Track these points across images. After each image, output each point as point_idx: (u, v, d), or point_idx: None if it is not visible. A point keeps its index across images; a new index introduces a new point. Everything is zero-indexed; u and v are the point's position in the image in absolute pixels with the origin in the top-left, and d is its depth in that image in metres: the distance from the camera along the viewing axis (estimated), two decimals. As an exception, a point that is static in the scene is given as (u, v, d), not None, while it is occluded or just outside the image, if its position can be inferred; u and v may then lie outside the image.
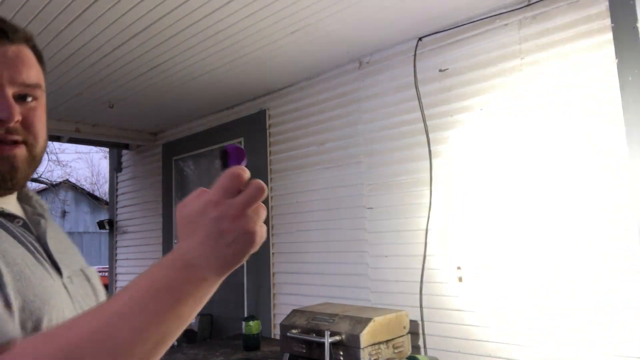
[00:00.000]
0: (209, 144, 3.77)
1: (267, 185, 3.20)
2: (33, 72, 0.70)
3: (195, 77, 2.92)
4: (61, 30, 2.22)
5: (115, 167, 4.86)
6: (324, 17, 2.19)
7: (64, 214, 16.97)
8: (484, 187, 2.19)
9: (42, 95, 0.73)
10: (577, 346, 1.88)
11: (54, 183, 16.99)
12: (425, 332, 2.33)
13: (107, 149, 5.40)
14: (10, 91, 0.67)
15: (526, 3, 2.07)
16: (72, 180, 17.90)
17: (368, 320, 2.07)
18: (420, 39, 2.44)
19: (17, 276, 0.60)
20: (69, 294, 0.68)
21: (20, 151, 0.68)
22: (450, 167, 2.31)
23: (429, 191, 2.36)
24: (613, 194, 1.83)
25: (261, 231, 0.51)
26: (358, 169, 2.70)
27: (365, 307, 2.42)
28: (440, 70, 2.38)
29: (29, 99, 0.70)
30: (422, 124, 2.40)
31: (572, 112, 1.94)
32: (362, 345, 2.00)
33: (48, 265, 0.68)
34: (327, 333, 2.06)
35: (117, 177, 4.86)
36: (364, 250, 2.63)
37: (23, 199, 0.78)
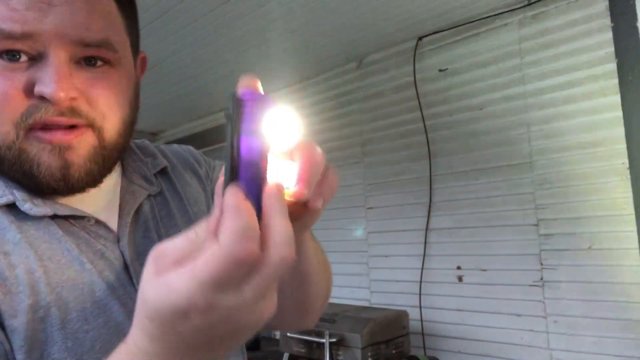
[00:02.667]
0: (208, 144, 3.77)
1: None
2: (97, 25, 0.48)
3: (195, 76, 2.92)
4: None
5: (115, 167, 4.85)
6: (323, 17, 2.19)
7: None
8: (484, 187, 2.18)
9: (120, 57, 0.52)
10: (577, 346, 1.88)
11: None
12: (425, 332, 2.32)
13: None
14: (61, 54, 0.47)
15: (526, 3, 2.07)
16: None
17: (368, 320, 2.07)
18: (420, 38, 2.44)
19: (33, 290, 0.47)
20: None
21: (80, 139, 0.50)
22: (450, 166, 2.31)
23: (428, 191, 2.36)
24: (613, 193, 1.82)
25: (268, 310, 0.33)
26: (358, 169, 2.70)
27: (365, 307, 2.42)
28: (440, 70, 2.38)
29: (99, 63, 0.50)
30: (422, 124, 2.40)
31: (572, 111, 1.94)
32: (361, 345, 2.00)
33: (122, 281, 0.53)
34: (326, 333, 2.05)
35: (117, 177, 4.85)
36: (364, 250, 2.63)
37: (131, 173, 0.62)
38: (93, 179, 0.53)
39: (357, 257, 2.66)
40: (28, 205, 0.50)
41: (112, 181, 0.59)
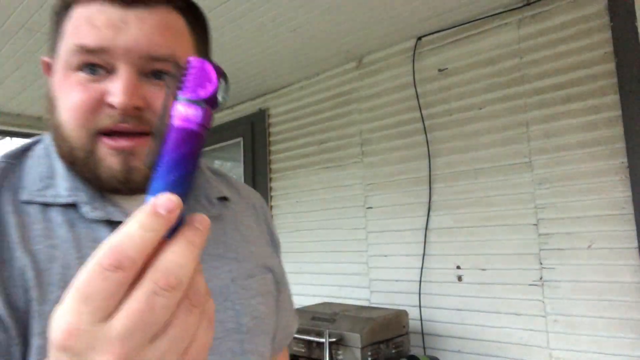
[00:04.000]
0: (208, 144, 3.77)
1: (267, 185, 3.23)
2: (165, 41, 0.54)
3: (194, 76, 2.92)
4: (60, 30, 2.22)
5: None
6: (323, 16, 2.19)
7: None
8: (483, 186, 2.19)
9: None
10: (576, 345, 1.88)
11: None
12: (425, 331, 2.33)
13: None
14: (130, 68, 0.52)
15: (525, 2, 2.07)
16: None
17: (367, 319, 2.07)
18: (419, 38, 2.44)
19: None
20: None
21: (143, 145, 0.54)
22: (450, 166, 2.31)
23: (428, 190, 2.36)
24: (613, 193, 1.82)
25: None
26: (357, 169, 2.70)
27: (364, 307, 2.42)
28: (440, 70, 2.38)
29: (164, 77, 0.55)
30: (421, 124, 2.40)
31: (571, 111, 1.94)
32: (361, 345, 2.00)
33: None
34: (326, 332, 2.06)
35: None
36: (364, 249, 2.64)
37: (196, 192, 0.66)
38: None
39: (357, 256, 2.66)
40: (87, 208, 0.56)
41: None
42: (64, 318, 0.28)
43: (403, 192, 2.48)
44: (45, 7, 2.00)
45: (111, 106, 0.52)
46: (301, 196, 2.98)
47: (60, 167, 0.58)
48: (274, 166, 3.21)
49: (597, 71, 1.88)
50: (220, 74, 0.37)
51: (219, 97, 0.37)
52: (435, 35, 2.38)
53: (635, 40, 1.75)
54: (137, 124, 0.53)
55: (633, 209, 1.75)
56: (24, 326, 0.48)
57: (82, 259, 0.52)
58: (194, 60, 0.36)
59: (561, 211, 1.95)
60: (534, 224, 2.02)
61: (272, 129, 3.25)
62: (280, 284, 0.75)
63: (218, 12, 2.09)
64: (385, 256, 2.54)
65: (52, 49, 0.59)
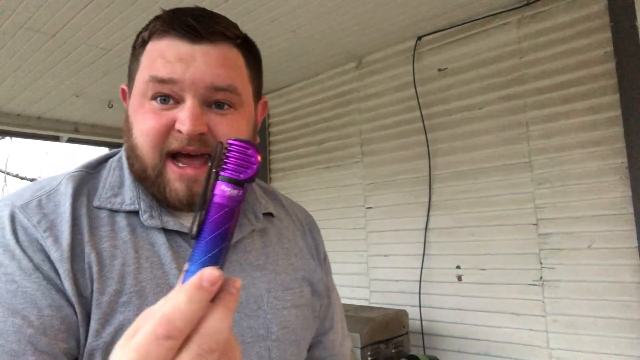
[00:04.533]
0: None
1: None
2: (225, 73, 0.62)
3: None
4: (60, 28, 2.22)
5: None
6: (323, 16, 2.19)
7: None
8: (483, 186, 2.19)
9: (243, 101, 0.65)
10: (576, 345, 1.88)
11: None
12: (425, 331, 2.33)
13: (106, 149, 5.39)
14: (195, 98, 0.60)
15: (525, 2, 2.07)
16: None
17: (367, 319, 2.07)
18: (419, 38, 2.44)
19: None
20: None
21: (204, 173, 0.62)
22: (450, 166, 2.31)
23: (428, 190, 2.36)
24: (612, 193, 1.83)
25: None
26: (357, 169, 2.70)
27: (364, 307, 2.42)
28: (439, 70, 2.38)
29: (225, 107, 0.63)
30: (421, 123, 2.40)
31: (571, 111, 1.94)
32: (361, 345, 2.00)
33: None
34: (326, 332, 2.05)
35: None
36: (364, 249, 2.64)
37: (245, 207, 0.73)
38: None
39: (357, 256, 2.66)
40: (146, 216, 0.65)
41: None
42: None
43: (403, 192, 2.48)
44: (45, 7, 2.00)
45: (179, 132, 0.60)
46: (301, 196, 2.98)
47: (128, 179, 0.68)
48: (273, 166, 3.21)
49: (597, 71, 1.88)
50: (260, 153, 0.40)
51: (257, 176, 0.40)
52: (435, 35, 2.38)
53: (635, 40, 1.75)
54: (200, 146, 0.61)
55: (633, 209, 1.75)
56: (87, 312, 0.57)
57: (138, 258, 0.62)
58: (236, 142, 0.40)
59: (561, 211, 1.95)
60: (534, 224, 2.02)
61: (272, 129, 3.25)
62: (320, 297, 0.80)
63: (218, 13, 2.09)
64: (385, 256, 2.54)
65: (130, 79, 0.67)
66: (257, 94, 0.71)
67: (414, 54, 2.46)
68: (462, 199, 2.26)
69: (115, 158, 0.72)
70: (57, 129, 3.78)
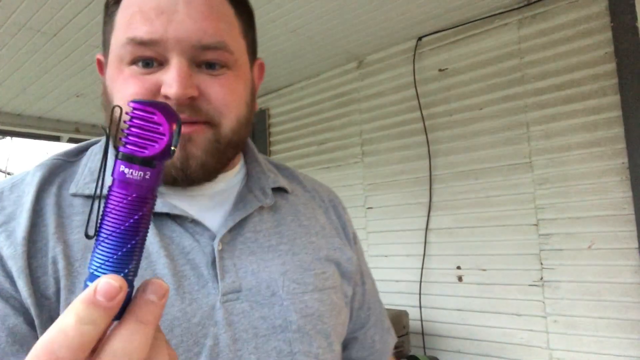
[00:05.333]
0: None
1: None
2: (214, 27, 0.53)
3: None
4: (61, 28, 2.22)
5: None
6: (324, 16, 2.19)
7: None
8: (484, 187, 2.18)
9: (236, 59, 0.56)
10: (577, 346, 1.88)
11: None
12: (425, 331, 2.33)
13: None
14: (182, 58, 0.52)
15: (525, 2, 2.07)
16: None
17: (368, 320, 2.07)
18: (419, 38, 2.44)
19: None
20: (225, 316, 0.54)
21: (199, 134, 0.54)
22: (450, 166, 2.31)
23: (428, 190, 2.36)
24: (613, 194, 1.82)
25: None
26: (357, 169, 2.70)
27: (365, 307, 2.42)
28: (440, 70, 2.38)
29: (217, 67, 0.54)
30: (422, 124, 2.40)
31: (572, 111, 1.94)
32: (361, 345, 2.00)
33: (204, 278, 0.55)
34: (326, 333, 2.05)
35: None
36: (364, 249, 2.63)
37: (250, 182, 0.65)
38: (208, 173, 0.57)
39: (357, 257, 2.66)
40: None
41: (229, 184, 0.64)
42: None
43: (403, 192, 2.48)
44: (45, 7, 2.00)
45: (166, 97, 0.52)
46: (301, 196, 2.98)
47: (111, 161, 0.58)
48: (274, 166, 3.21)
49: (598, 71, 1.88)
50: (174, 118, 0.30)
51: (172, 148, 0.30)
52: (436, 35, 2.38)
53: (635, 41, 1.75)
54: (192, 113, 0.53)
55: (633, 210, 1.75)
56: (51, 314, 0.49)
57: None
58: (137, 104, 0.30)
59: (561, 211, 1.95)
60: (534, 225, 2.02)
61: (272, 129, 3.25)
62: (351, 281, 0.69)
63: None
64: (386, 256, 2.54)
65: (104, 45, 0.58)
66: (252, 51, 0.63)
67: (414, 54, 2.46)
68: (462, 199, 2.25)
69: (99, 144, 0.64)
70: (58, 129, 3.78)
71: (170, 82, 0.51)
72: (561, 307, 1.93)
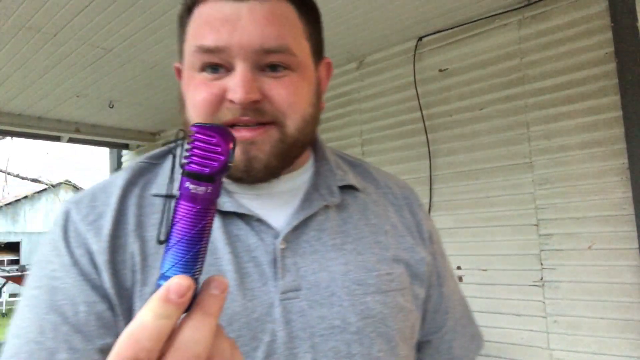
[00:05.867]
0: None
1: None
2: (276, 32, 0.55)
3: (195, 77, 2.92)
4: (61, 28, 2.22)
5: (115, 167, 4.86)
6: (324, 16, 2.19)
7: (64, 214, 16.98)
8: (484, 187, 2.18)
9: (299, 61, 0.58)
10: (577, 346, 1.88)
11: (54, 184, 16.99)
12: (425, 332, 2.32)
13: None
14: (246, 64, 0.55)
15: (526, 3, 2.07)
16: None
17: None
18: (420, 38, 2.44)
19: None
20: (283, 313, 0.56)
21: (264, 136, 0.56)
22: (450, 166, 2.31)
23: (428, 191, 2.36)
24: (613, 194, 1.82)
25: None
26: (358, 169, 2.70)
27: (365, 307, 2.42)
28: (440, 70, 2.38)
29: (279, 69, 0.57)
30: (422, 124, 2.40)
31: (572, 111, 1.94)
32: (362, 345, 2.00)
33: (266, 276, 0.57)
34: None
35: (117, 177, 4.86)
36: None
37: (317, 181, 0.66)
38: (272, 172, 0.59)
39: (357, 257, 2.66)
40: None
41: (296, 183, 0.65)
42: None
43: (403, 192, 2.48)
44: (45, 8, 2.00)
45: (232, 102, 0.55)
46: (301, 196, 2.98)
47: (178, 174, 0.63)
48: (274, 166, 3.21)
49: (598, 72, 1.88)
50: (230, 139, 0.36)
51: (229, 165, 0.35)
52: (436, 35, 2.38)
53: (636, 41, 1.75)
54: (256, 115, 0.56)
55: (633, 210, 1.75)
56: (129, 304, 0.54)
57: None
58: (198, 128, 0.35)
59: (562, 212, 1.95)
60: (535, 225, 2.02)
61: (272, 129, 3.25)
62: (424, 283, 0.67)
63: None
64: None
65: (180, 54, 0.63)
66: (317, 51, 0.64)
67: (414, 55, 2.46)
68: (462, 199, 2.25)
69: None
70: (58, 129, 3.78)
71: (234, 87, 0.54)
72: (561, 307, 1.93)
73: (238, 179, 0.60)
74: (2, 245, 15.79)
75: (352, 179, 0.69)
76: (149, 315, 0.32)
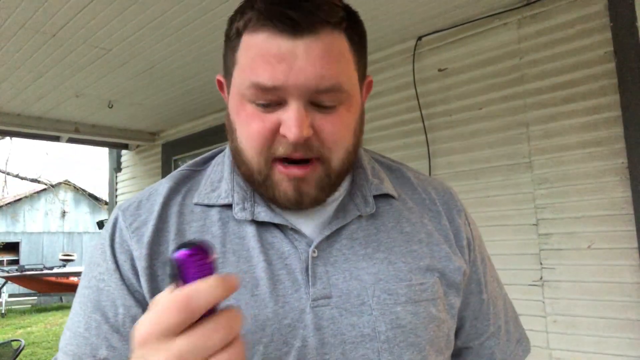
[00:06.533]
0: (208, 143, 3.78)
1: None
2: (331, 72, 0.56)
3: (195, 75, 2.92)
4: (61, 28, 2.22)
5: (115, 167, 4.87)
6: (323, 17, 2.19)
7: (63, 214, 16.97)
8: (483, 186, 2.18)
9: (349, 95, 0.59)
10: (576, 345, 1.88)
11: (54, 184, 16.99)
12: (425, 331, 2.32)
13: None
14: (300, 102, 0.56)
15: (525, 2, 2.07)
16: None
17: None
18: (419, 38, 2.44)
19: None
20: (314, 320, 0.58)
21: (312, 173, 0.59)
22: (450, 166, 2.31)
23: (428, 191, 2.36)
24: (612, 193, 1.82)
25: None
26: (357, 169, 2.70)
27: (364, 307, 2.42)
28: (440, 70, 2.38)
29: (328, 105, 0.58)
30: (421, 124, 2.40)
31: (571, 111, 1.94)
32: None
33: (298, 283, 0.60)
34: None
35: (116, 177, 4.86)
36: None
37: (353, 190, 0.68)
38: (319, 202, 0.62)
39: (357, 256, 2.66)
40: (237, 209, 0.63)
41: (334, 197, 0.66)
42: (143, 327, 0.39)
43: (403, 192, 2.48)
44: (45, 7, 2.00)
45: (284, 136, 0.56)
46: (301, 196, 2.98)
47: (227, 173, 0.67)
48: (274, 166, 3.21)
49: (597, 71, 1.88)
50: (209, 253, 0.40)
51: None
52: (435, 35, 2.38)
53: (635, 41, 1.75)
54: (305, 152, 0.57)
55: (633, 209, 1.75)
56: None
57: (225, 252, 0.61)
58: (179, 256, 0.39)
59: (561, 211, 1.95)
60: (534, 224, 2.02)
61: (272, 129, 3.25)
62: (457, 290, 0.67)
63: (218, 13, 2.09)
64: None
65: (226, 72, 0.63)
66: (363, 76, 0.65)
67: (414, 54, 2.46)
68: (462, 199, 2.24)
69: (221, 154, 0.71)
70: (58, 128, 3.78)
71: (289, 124, 0.55)
72: (561, 307, 1.93)
73: (287, 209, 0.63)
74: (2, 246, 15.78)
75: (388, 187, 0.70)
76: (206, 284, 0.38)
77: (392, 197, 0.69)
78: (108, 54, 2.51)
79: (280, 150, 0.57)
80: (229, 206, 0.64)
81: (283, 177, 0.59)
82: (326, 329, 0.58)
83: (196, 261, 0.39)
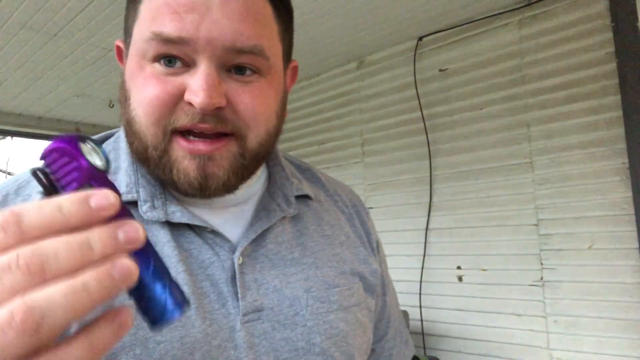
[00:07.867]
0: (209, 143, 3.77)
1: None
2: (251, 30, 0.47)
3: (195, 76, 2.92)
4: (61, 28, 2.22)
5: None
6: (324, 16, 2.19)
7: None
8: (484, 187, 2.18)
9: (271, 65, 0.50)
10: (577, 346, 1.88)
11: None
12: (425, 332, 2.33)
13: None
14: (212, 62, 0.47)
15: (526, 3, 2.07)
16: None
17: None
18: (420, 38, 2.44)
19: None
20: (246, 338, 0.51)
21: (222, 150, 0.49)
22: (451, 166, 2.31)
23: (429, 191, 2.36)
24: (613, 194, 1.82)
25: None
26: (358, 169, 2.70)
27: (365, 307, 2.42)
28: (440, 70, 2.38)
29: (248, 72, 0.49)
30: (422, 124, 2.40)
31: (572, 111, 1.94)
32: (362, 345, 2.00)
33: (224, 296, 0.51)
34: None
35: (117, 177, 4.87)
36: (364, 250, 2.64)
37: (273, 189, 0.60)
38: (229, 189, 0.52)
39: (357, 257, 2.66)
40: (146, 207, 0.52)
41: (250, 191, 0.59)
42: None
43: (404, 192, 2.48)
44: (45, 7, 2.00)
45: (190, 104, 0.47)
46: (302, 196, 2.98)
47: (125, 162, 0.55)
48: (274, 166, 3.21)
49: (598, 72, 1.88)
50: (76, 141, 0.30)
51: (98, 164, 0.30)
52: (436, 35, 2.38)
53: (636, 41, 1.75)
54: (216, 123, 0.48)
55: (634, 210, 1.75)
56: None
57: None
58: (47, 150, 0.29)
59: (562, 212, 1.95)
60: (535, 225, 2.02)
61: (272, 129, 3.25)
62: (375, 295, 0.64)
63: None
64: (386, 256, 2.54)
65: (126, 32, 0.53)
66: (287, 54, 0.57)
67: (415, 54, 2.46)
68: (463, 199, 2.25)
69: (112, 139, 0.59)
70: (58, 129, 3.78)
71: (196, 89, 0.46)
72: (561, 307, 1.93)
73: (190, 195, 0.52)
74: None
75: (306, 188, 0.64)
76: (52, 203, 0.26)
77: (309, 198, 0.64)
78: (108, 54, 2.51)
79: (184, 119, 0.47)
80: (132, 203, 0.52)
81: (184, 154, 0.48)
82: (258, 347, 0.51)
83: (60, 161, 0.29)
